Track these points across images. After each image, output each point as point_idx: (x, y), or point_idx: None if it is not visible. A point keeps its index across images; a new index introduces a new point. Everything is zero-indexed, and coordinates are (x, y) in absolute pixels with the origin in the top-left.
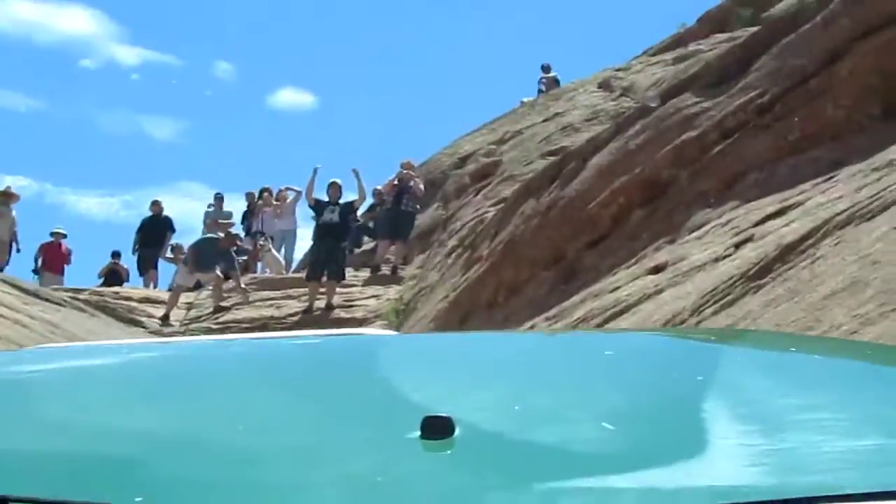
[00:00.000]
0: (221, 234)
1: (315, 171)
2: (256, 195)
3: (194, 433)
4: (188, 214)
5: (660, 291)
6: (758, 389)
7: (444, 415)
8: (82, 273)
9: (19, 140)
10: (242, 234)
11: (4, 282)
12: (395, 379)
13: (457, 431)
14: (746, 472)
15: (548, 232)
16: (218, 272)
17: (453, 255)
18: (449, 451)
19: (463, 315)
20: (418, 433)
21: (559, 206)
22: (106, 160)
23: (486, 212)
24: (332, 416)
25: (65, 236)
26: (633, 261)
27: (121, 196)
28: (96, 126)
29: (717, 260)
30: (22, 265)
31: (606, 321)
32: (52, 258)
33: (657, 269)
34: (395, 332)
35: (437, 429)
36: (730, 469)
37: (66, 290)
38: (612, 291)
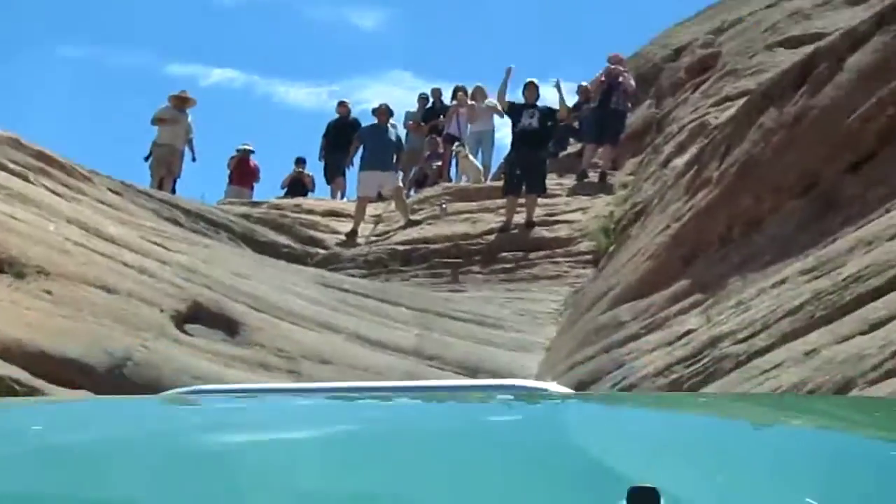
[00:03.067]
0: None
1: (508, 71)
2: (448, 93)
3: None
4: (400, 103)
5: None
6: None
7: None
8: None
9: (225, 32)
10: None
11: (163, 202)
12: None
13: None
14: None
15: (795, 150)
16: (398, 180)
17: (672, 170)
18: None
19: (687, 254)
20: None
21: (809, 117)
22: (312, 50)
23: (707, 113)
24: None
25: (252, 152)
26: None
27: (328, 86)
28: (300, 15)
29: None
30: (198, 174)
31: (892, 285)
32: (240, 173)
33: None
34: (560, 389)
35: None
36: None
37: (244, 204)
38: (891, 239)
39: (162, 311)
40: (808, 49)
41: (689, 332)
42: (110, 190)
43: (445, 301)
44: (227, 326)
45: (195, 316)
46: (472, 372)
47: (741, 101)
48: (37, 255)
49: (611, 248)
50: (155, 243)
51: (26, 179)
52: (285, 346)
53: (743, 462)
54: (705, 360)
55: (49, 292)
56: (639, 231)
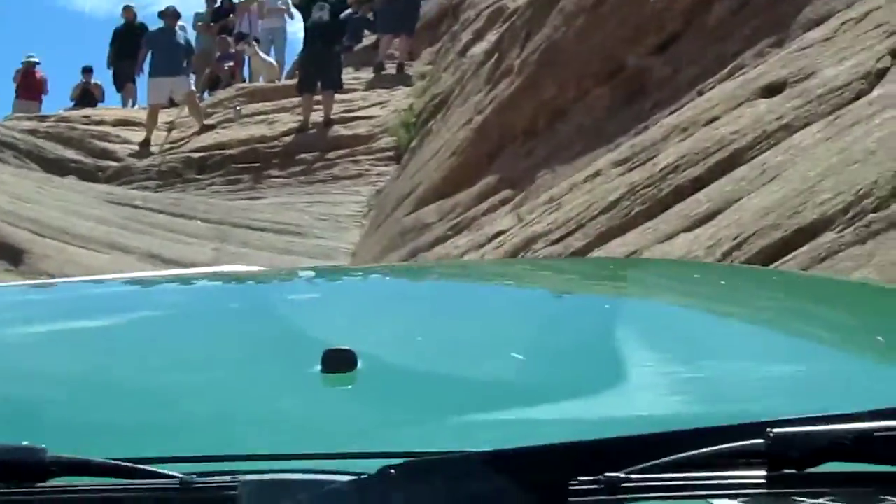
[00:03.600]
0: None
1: None
2: None
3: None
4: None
5: (786, 128)
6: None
7: (345, 348)
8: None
9: None
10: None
11: None
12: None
13: (359, 365)
14: (666, 401)
15: (598, 34)
16: (191, 85)
17: (470, 58)
18: (351, 386)
19: (493, 148)
20: (319, 367)
21: None
22: None
23: None
24: (235, 354)
25: (37, 63)
26: (724, 73)
27: None
28: None
29: (864, 77)
30: None
31: (712, 174)
32: (26, 85)
33: (771, 91)
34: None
35: (339, 362)
36: (648, 398)
37: (31, 119)
38: (708, 124)
39: None
40: None
41: (500, 234)
42: None
43: (243, 210)
44: (10, 255)
45: None
46: None
47: None
48: None
49: (412, 144)
50: None
51: None
52: (74, 272)
53: (450, 321)
54: None
55: None
56: (440, 125)
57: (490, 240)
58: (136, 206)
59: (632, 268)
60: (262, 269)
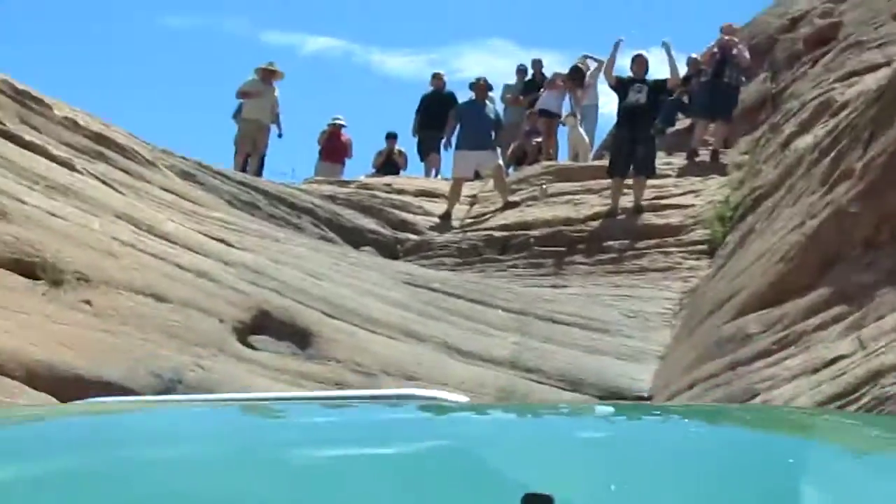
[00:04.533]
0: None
1: (617, 43)
2: (553, 64)
3: None
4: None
5: None
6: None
7: (545, 493)
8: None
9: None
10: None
11: (241, 184)
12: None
13: None
14: None
15: None
16: (499, 159)
17: (794, 151)
18: None
19: (827, 257)
20: None
21: None
22: (412, 17)
23: (831, 88)
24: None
25: (344, 126)
26: None
27: (427, 55)
28: None
29: None
30: (292, 150)
31: None
32: (331, 148)
33: None
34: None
35: None
36: None
37: (332, 183)
38: None
39: (222, 321)
40: None
41: (838, 359)
42: (182, 173)
43: (547, 302)
44: (298, 338)
45: (261, 326)
46: (576, 385)
47: (870, 76)
48: (77, 258)
49: (727, 239)
50: (219, 240)
51: (72, 168)
52: (364, 360)
53: (641, 470)
54: (865, 398)
55: (89, 303)
56: (764, 225)
57: (826, 364)
58: (433, 290)
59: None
60: (463, 398)
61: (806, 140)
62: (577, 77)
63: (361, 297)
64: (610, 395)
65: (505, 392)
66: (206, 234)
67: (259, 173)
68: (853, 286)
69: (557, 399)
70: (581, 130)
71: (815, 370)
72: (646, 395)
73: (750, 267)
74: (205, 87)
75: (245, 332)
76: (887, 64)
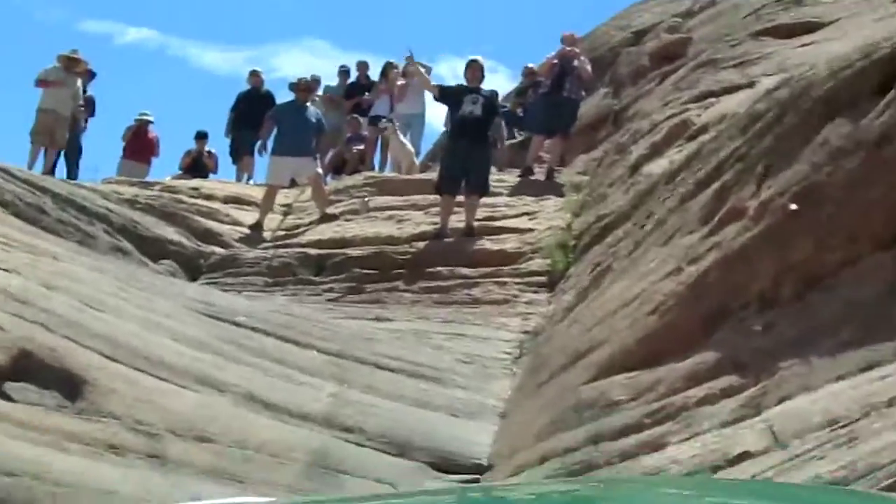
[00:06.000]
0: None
1: (409, 57)
2: (373, 67)
3: None
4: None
5: None
6: None
7: None
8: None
9: None
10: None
11: (27, 183)
12: None
13: None
14: None
15: (885, 183)
16: (318, 167)
17: (647, 177)
18: None
19: (712, 313)
20: None
21: None
22: (230, 12)
23: (685, 109)
24: None
25: (151, 122)
26: None
27: (245, 51)
28: None
29: None
30: (102, 145)
31: None
32: (136, 146)
33: None
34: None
35: None
36: None
37: (134, 184)
38: None
39: None
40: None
41: (744, 456)
42: None
43: (368, 342)
44: (67, 386)
45: (21, 371)
46: (402, 449)
47: (729, 98)
48: None
49: (570, 270)
50: None
51: None
52: (147, 416)
53: None
54: None
55: None
56: (624, 264)
57: (731, 462)
58: (237, 324)
59: None
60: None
61: (660, 164)
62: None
63: (150, 334)
64: (441, 460)
65: (316, 457)
66: None
67: (52, 172)
68: (746, 352)
69: (378, 467)
70: (404, 140)
71: (717, 466)
72: (485, 462)
73: (611, 316)
74: (15, 78)
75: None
76: (749, 85)
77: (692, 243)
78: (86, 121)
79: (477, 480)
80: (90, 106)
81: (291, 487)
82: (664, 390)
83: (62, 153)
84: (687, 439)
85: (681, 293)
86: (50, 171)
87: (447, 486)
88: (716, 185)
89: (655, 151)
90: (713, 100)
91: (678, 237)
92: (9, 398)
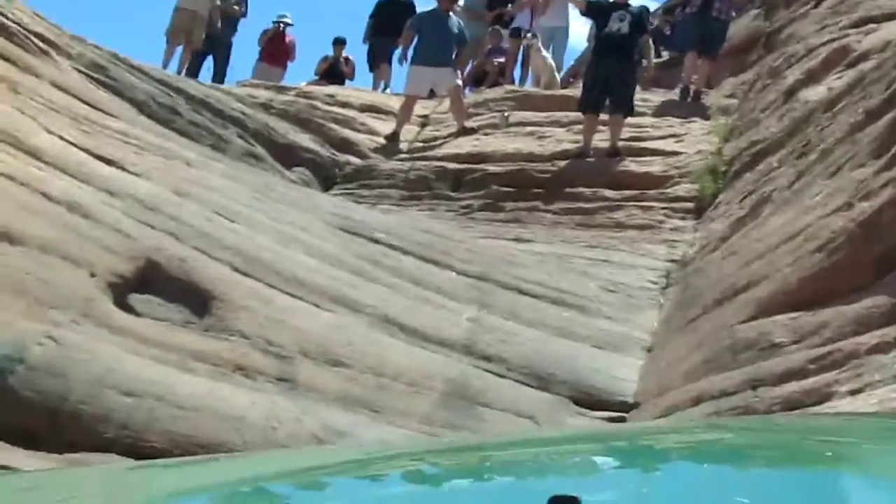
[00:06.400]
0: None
1: None
2: None
3: None
4: None
5: None
6: None
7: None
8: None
9: None
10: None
11: (161, 82)
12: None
13: None
14: None
15: None
16: (457, 79)
17: (803, 104)
18: None
19: (884, 254)
20: None
21: None
22: None
23: (845, 34)
24: None
25: (290, 25)
26: None
27: None
28: None
29: None
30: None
31: None
32: (273, 49)
33: None
34: None
35: None
36: None
37: (269, 88)
38: None
39: (93, 274)
40: None
41: None
42: (92, 66)
43: (510, 265)
44: (195, 301)
45: (146, 282)
46: (544, 382)
47: (892, 24)
48: None
49: (718, 197)
50: (107, 160)
51: None
52: (279, 337)
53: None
54: None
55: None
56: (785, 195)
57: None
58: (375, 240)
59: None
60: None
61: (818, 91)
62: None
63: (284, 249)
64: (585, 396)
65: (455, 386)
66: (91, 152)
67: (190, 73)
68: None
69: (519, 400)
70: (546, 54)
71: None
72: (630, 400)
73: (772, 251)
74: None
75: (124, 291)
76: None
77: (865, 177)
78: (239, 18)
79: (623, 419)
80: (244, 3)
81: (427, 418)
82: (830, 335)
83: (207, 55)
84: (857, 391)
85: (851, 231)
86: (193, 72)
87: (592, 427)
88: (889, 116)
89: (812, 77)
90: (874, 25)
91: (847, 170)
92: (133, 311)
